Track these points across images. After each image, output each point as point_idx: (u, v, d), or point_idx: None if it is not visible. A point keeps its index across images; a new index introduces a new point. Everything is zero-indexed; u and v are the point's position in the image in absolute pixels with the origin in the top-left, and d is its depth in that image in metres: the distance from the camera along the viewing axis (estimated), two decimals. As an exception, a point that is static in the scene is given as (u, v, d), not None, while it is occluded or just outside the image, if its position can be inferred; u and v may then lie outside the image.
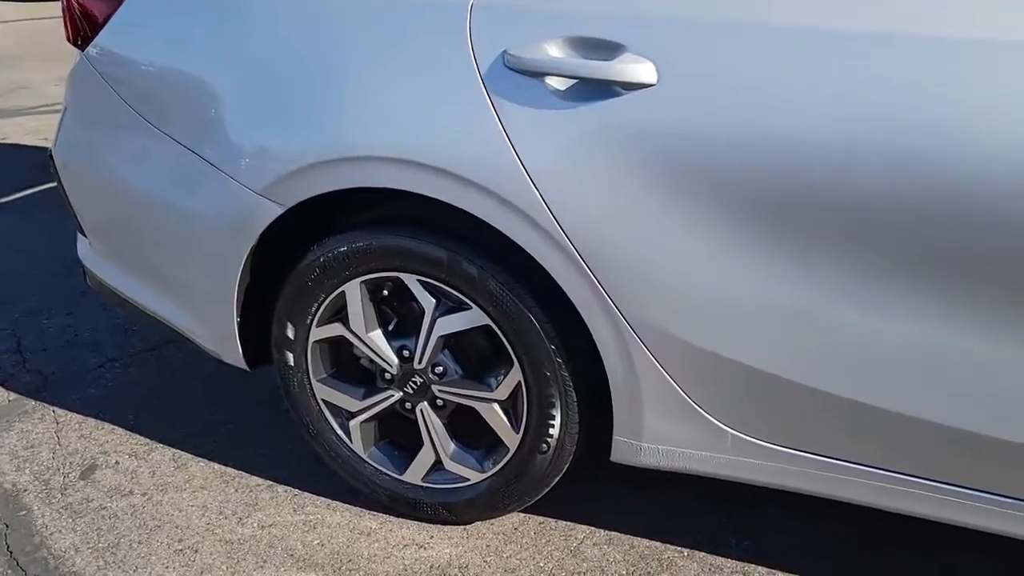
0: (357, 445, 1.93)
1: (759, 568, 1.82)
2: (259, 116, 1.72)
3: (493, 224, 1.59)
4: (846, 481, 1.57)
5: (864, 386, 1.47)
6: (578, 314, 1.61)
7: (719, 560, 1.84)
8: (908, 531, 1.84)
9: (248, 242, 1.79)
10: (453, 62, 1.55)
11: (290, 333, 1.87)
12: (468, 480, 1.86)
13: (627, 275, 1.54)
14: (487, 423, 1.79)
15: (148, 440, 2.26)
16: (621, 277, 1.55)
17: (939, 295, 1.36)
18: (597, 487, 2.02)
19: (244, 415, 2.35)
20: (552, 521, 1.96)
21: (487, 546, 1.89)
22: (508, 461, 1.80)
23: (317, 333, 1.85)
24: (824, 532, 1.90)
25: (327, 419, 1.93)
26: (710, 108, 1.41)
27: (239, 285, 1.85)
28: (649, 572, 1.82)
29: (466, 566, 1.84)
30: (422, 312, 1.74)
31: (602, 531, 1.92)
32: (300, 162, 1.67)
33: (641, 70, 1.43)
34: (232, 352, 1.96)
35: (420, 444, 1.88)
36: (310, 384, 1.91)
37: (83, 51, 1.98)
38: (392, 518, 1.97)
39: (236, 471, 2.14)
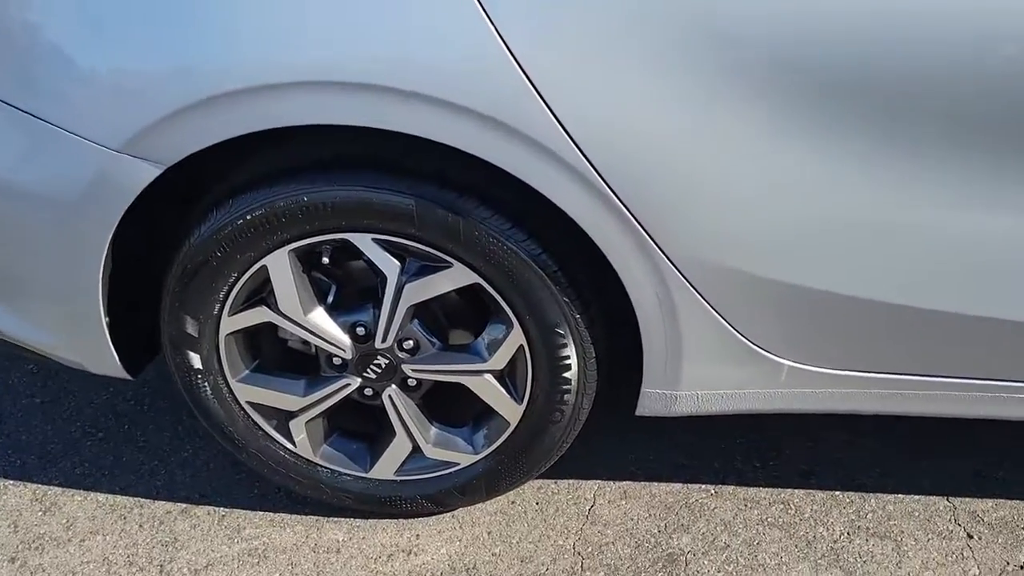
0: (304, 448, 1.50)
1: (796, 492, 1.62)
2: (114, 34, 1.16)
3: (475, 153, 1.17)
4: (927, 396, 1.38)
5: (972, 298, 1.25)
6: (600, 255, 1.25)
7: (752, 491, 1.62)
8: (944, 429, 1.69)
9: (111, 219, 1.28)
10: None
11: (191, 329, 1.38)
12: (457, 464, 1.50)
13: (669, 198, 1.20)
14: (472, 395, 1.43)
15: (-10, 478, 1.70)
16: (660, 201, 1.20)
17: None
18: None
19: (111, 414, 1.82)
20: (551, 483, 1.65)
21: (488, 534, 1.57)
22: (510, 436, 1.45)
23: (231, 323, 1.38)
24: (852, 436, 1.72)
25: (257, 425, 1.48)
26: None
27: (103, 276, 1.33)
28: (682, 524, 1.57)
29: (473, 566, 1.51)
30: (382, 279, 1.31)
31: (612, 484, 1.65)
32: (186, 98, 1.14)
33: None
34: (103, 361, 1.45)
35: (382, 430, 1.49)
36: (228, 387, 1.44)
37: None
38: (358, 521, 1.59)
39: (130, 499, 1.64)
